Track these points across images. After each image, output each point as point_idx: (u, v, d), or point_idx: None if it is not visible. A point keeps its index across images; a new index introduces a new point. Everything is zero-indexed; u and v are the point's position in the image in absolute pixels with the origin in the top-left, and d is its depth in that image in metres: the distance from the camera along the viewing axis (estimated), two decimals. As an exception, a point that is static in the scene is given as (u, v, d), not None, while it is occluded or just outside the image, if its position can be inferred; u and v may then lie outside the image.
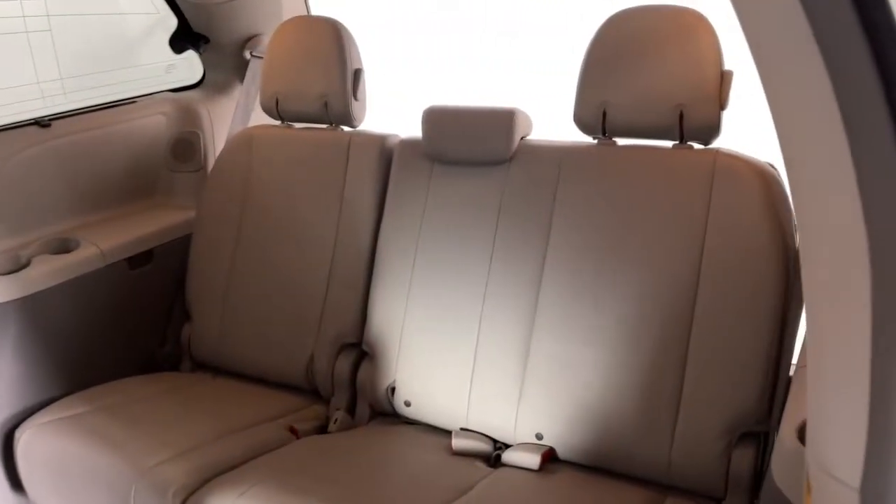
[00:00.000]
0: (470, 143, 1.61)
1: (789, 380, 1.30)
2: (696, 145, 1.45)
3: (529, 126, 1.63)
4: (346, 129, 1.84)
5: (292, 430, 1.62)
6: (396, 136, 1.78)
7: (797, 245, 1.32)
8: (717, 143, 1.44)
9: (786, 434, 0.92)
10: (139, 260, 1.93)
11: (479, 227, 1.58)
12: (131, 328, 1.94)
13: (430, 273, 1.62)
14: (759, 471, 1.33)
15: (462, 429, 1.57)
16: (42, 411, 1.60)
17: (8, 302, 1.61)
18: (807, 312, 0.58)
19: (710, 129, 1.40)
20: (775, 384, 1.32)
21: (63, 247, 1.82)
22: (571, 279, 1.47)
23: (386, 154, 1.75)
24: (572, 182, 1.51)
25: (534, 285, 1.50)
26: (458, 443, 1.54)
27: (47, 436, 1.54)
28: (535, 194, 1.54)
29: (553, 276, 1.49)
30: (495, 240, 1.56)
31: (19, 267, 1.67)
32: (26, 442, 1.55)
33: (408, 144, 1.72)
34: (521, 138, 1.60)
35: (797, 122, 0.53)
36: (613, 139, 1.52)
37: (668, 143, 1.47)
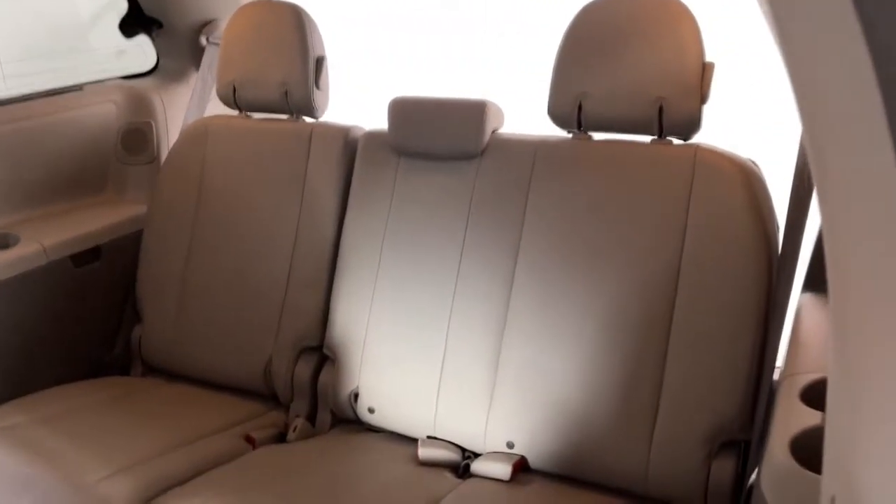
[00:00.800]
0: (438, 137, 1.53)
1: (772, 386, 1.25)
2: (676, 140, 1.39)
3: (501, 119, 1.56)
4: (307, 119, 1.74)
5: (249, 440, 1.53)
6: (361, 127, 1.70)
7: (780, 246, 1.27)
8: (697, 139, 1.38)
9: (776, 448, 0.86)
10: (85, 257, 1.82)
11: (447, 224, 1.50)
12: (77, 330, 1.83)
13: (396, 273, 1.54)
14: (740, 481, 1.28)
15: (429, 437, 1.49)
16: None
17: (-62, 302, 1.49)
18: (837, 328, 0.50)
19: (691, 124, 1.34)
20: (757, 390, 1.26)
21: (1, 243, 1.70)
22: (544, 280, 1.40)
23: (350, 146, 1.66)
24: (546, 178, 1.43)
25: (505, 286, 1.43)
26: (424, 452, 1.46)
27: (-21, 448, 1.42)
28: (507, 191, 1.46)
29: (525, 277, 1.42)
30: (465, 238, 1.49)
31: (-49, 264, 1.55)
32: (-44, 455, 1.43)
33: (373, 137, 1.63)
34: (493, 131, 1.53)
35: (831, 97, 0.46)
36: (589, 133, 1.45)
37: (647, 138, 1.40)
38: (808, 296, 1.22)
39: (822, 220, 0.51)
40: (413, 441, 1.50)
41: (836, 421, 0.52)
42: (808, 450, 0.84)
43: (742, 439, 1.28)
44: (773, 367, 1.26)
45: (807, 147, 0.50)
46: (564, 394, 1.37)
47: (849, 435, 0.48)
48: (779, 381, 1.04)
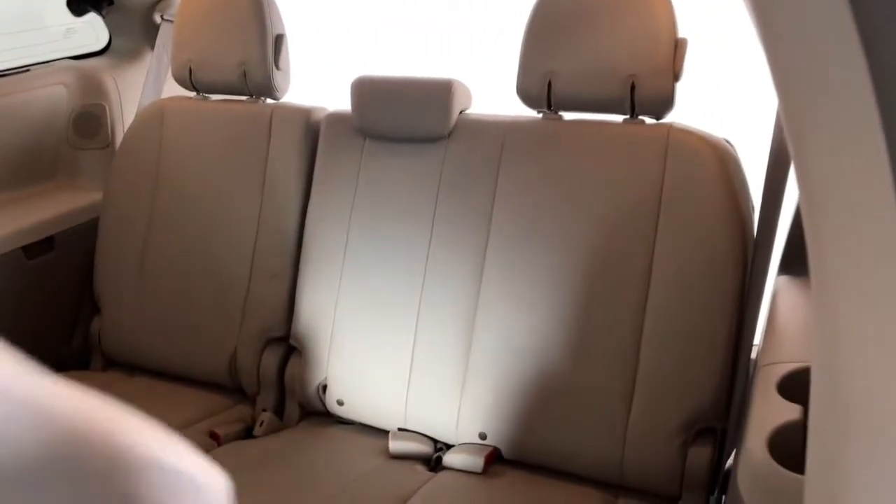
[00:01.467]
0: (403, 117, 1.46)
1: (749, 370, 1.22)
2: (648, 120, 1.34)
3: (469, 99, 1.50)
4: (268, 101, 1.67)
5: (213, 436, 1.48)
6: (324, 108, 1.63)
7: (756, 227, 1.23)
8: (669, 118, 1.33)
9: (753, 443, 0.83)
10: (38, 248, 1.74)
11: (415, 209, 1.45)
12: (32, 324, 1.75)
13: (363, 260, 1.49)
14: (716, 469, 1.26)
15: (400, 429, 1.45)
16: None
17: None
18: (820, 319, 0.46)
19: (664, 103, 1.29)
20: (734, 375, 1.24)
21: None
22: (515, 264, 1.36)
23: (312, 129, 1.59)
24: (515, 160, 1.38)
25: (476, 271, 1.39)
26: (395, 445, 1.42)
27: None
28: (476, 173, 1.41)
29: (496, 262, 1.37)
30: (434, 223, 1.43)
31: None
32: None
33: (336, 118, 1.56)
34: (461, 112, 1.47)
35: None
36: (559, 113, 1.40)
37: (619, 118, 1.36)
38: (785, 278, 1.19)
39: (800, 200, 0.47)
40: (384, 433, 1.46)
41: (821, 419, 0.48)
42: (787, 446, 0.81)
43: (718, 427, 1.25)
44: (749, 351, 1.24)
45: (784, 124, 0.46)
46: (537, 382, 1.33)
47: (836, 436, 0.44)
48: (755, 370, 1.01)
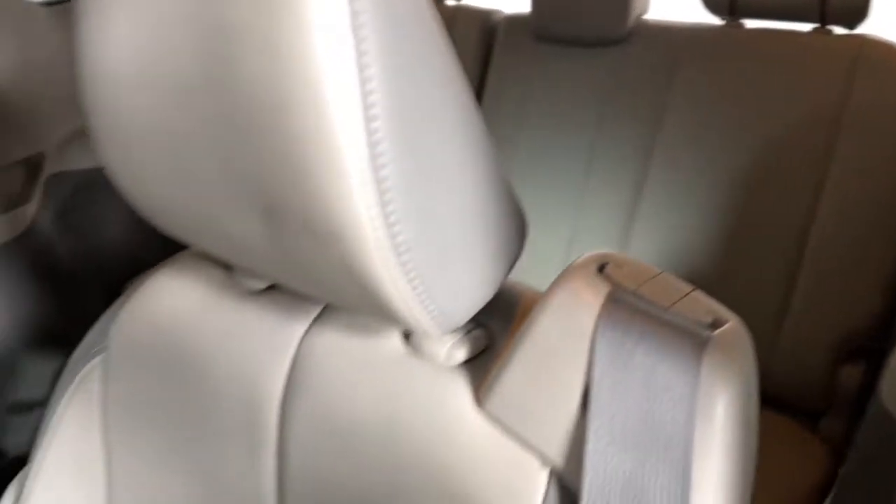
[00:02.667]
0: (581, 18, 1.49)
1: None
2: (838, 30, 1.28)
3: (646, 3, 1.49)
4: (450, 2, 1.74)
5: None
6: (501, 11, 1.68)
7: None
8: (862, 29, 1.27)
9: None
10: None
11: (580, 114, 1.49)
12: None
13: (531, 168, 1.55)
14: (866, 390, 1.25)
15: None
16: None
17: None
18: None
19: (857, 11, 1.23)
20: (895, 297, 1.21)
21: None
22: (679, 175, 1.37)
23: (489, 32, 1.65)
24: (690, 69, 1.38)
25: (638, 178, 1.42)
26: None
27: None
28: (648, 80, 1.42)
29: (659, 171, 1.39)
30: (597, 129, 1.47)
31: None
32: None
33: (513, 21, 1.61)
34: (638, 16, 1.47)
35: None
36: (742, 21, 1.36)
37: (806, 27, 1.31)
38: None
39: None
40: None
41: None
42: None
43: (874, 347, 1.24)
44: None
45: None
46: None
47: None
48: None
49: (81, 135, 1.36)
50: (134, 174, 0.37)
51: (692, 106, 1.37)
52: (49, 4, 2.14)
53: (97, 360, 0.48)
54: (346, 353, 0.41)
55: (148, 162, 0.35)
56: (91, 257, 1.36)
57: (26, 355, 1.31)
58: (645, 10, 1.49)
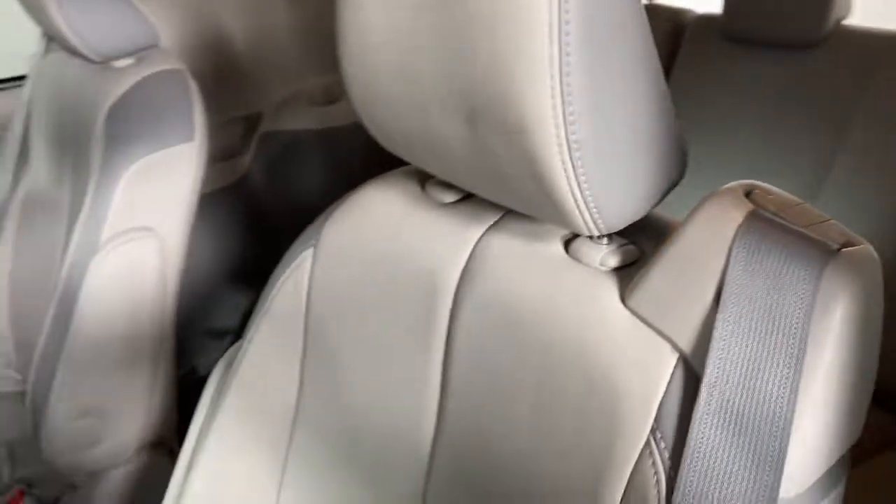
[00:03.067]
0: (778, 19, 1.46)
1: None
2: None
3: (848, 8, 1.44)
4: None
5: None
6: (693, 11, 1.68)
7: None
8: None
9: None
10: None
11: (761, 116, 1.46)
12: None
13: (702, 165, 1.55)
14: None
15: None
16: None
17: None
18: None
19: None
20: None
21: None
22: (858, 188, 1.32)
23: (678, 30, 1.66)
24: (884, 78, 1.32)
25: (810, 189, 1.38)
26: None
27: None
28: (838, 87, 1.37)
29: (837, 183, 1.35)
30: (775, 132, 1.44)
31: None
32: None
33: (704, 20, 1.61)
34: (838, 21, 1.42)
35: None
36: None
37: None
38: None
39: None
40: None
41: None
42: None
43: None
44: None
45: None
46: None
47: None
48: None
49: (295, 99, 1.54)
50: (373, 104, 0.46)
51: (883, 117, 1.31)
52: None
53: (309, 251, 0.59)
54: (514, 254, 0.47)
55: (383, 92, 0.44)
56: (290, 207, 1.53)
57: (226, 289, 1.50)
58: (846, 15, 1.44)
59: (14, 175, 1.07)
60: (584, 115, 0.37)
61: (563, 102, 0.36)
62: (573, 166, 0.38)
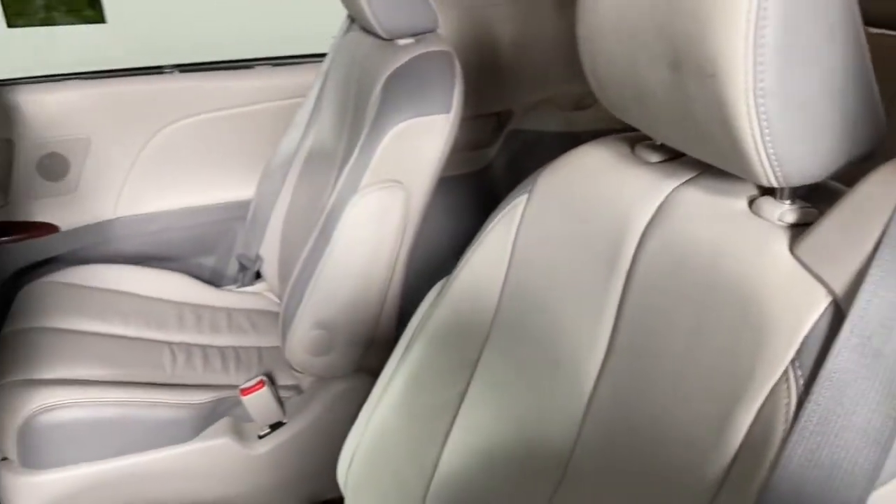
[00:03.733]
0: None
1: None
2: None
3: None
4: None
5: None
6: None
7: None
8: None
9: None
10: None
11: None
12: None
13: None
14: None
15: None
16: None
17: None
18: None
19: None
20: None
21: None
22: None
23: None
24: None
25: None
26: None
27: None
28: None
29: None
30: None
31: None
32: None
33: None
34: None
35: None
36: None
37: None
38: None
39: None
40: None
41: None
42: None
43: None
44: None
45: None
46: None
47: None
48: None
49: (542, 103, 1.65)
50: (598, 63, 0.54)
51: None
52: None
53: (524, 196, 0.68)
54: (699, 204, 0.52)
55: (606, 48, 0.52)
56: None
57: (450, 266, 1.64)
58: None
59: (304, 131, 1.29)
60: (774, 66, 0.41)
61: (754, 52, 0.41)
62: (757, 114, 0.42)
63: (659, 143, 0.59)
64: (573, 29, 1.62)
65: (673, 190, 0.55)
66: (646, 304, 0.54)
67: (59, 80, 1.36)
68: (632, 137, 0.64)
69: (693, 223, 0.52)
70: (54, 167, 1.36)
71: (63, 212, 1.38)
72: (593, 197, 0.61)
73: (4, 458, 1.02)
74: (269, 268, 1.33)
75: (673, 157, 0.59)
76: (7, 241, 1.35)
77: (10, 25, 1.49)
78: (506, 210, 0.69)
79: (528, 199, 0.67)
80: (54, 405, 0.98)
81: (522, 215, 0.67)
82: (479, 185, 1.64)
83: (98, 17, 1.54)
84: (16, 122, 1.32)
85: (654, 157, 0.59)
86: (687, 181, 0.55)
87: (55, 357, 1.07)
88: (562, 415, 0.60)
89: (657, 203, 0.56)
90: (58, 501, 1.01)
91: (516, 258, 0.67)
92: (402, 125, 0.99)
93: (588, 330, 0.59)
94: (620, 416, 0.54)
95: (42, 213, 1.37)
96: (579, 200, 0.62)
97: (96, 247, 1.41)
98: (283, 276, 1.28)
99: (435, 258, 1.53)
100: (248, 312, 1.30)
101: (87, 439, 1.00)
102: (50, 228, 1.37)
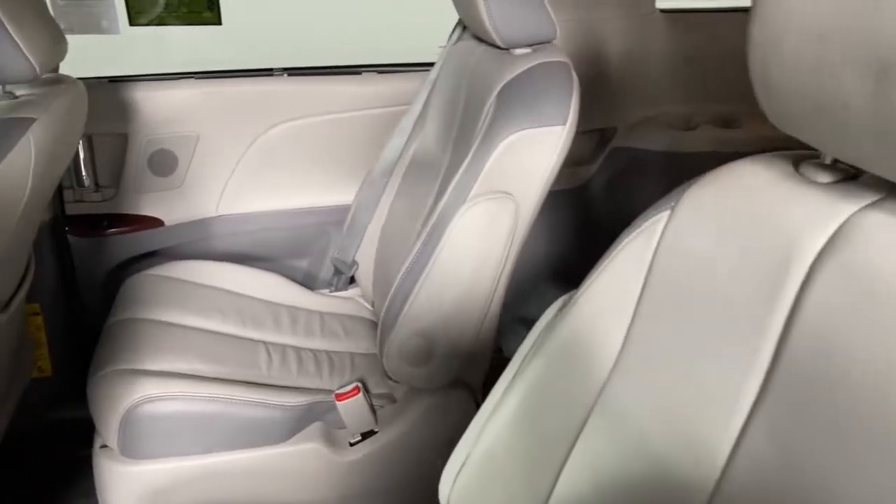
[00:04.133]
0: None
1: None
2: None
3: None
4: None
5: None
6: None
7: None
8: None
9: None
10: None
11: None
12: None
13: None
14: None
15: None
16: None
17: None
18: None
19: None
20: None
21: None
22: None
23: None
24: None
25: None
26: None
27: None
28: None
29: None
30: None
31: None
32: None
33: None
34: None
35: None
36: None
37: None
38: None
39: None
40: None
41: None
42: None
43: None
44: None
45: None
46: None
47: None
48: None
49: (647, 122, 1.60)
50: (774, 67, 0.49)
51: None
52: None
53: (665, 213, 0.64)
54: (891, 234, 0.47)
55: (790, 52, 0.47)
56: (621, 219, 1.59)
57: (544, 282, 1.60)
58: None
59: (408, 138, 1.28)
60: None
61: None
62: None
63: (829, 161, 0.55)
64: (683, 51, 1.57)
65: (853, 214, 0.50)
66: (817, 343, 0.49)
67: (172, 79, 1.39)
68: (795, 155, 0.59)
69: (883, 254, 0.47)
70: (163, 163, 1.39)
71: (168, 207, 1.41)
72: (752, 217, 0.56)
73: (104, 446, 1.03)
74: (364, 273, 1.32)
75: (846, 178, 0.54)
76: (115, 233, 1.38)
77: (131, 24, 1.55)
78: (643, 227, 0.65)
79: (671, 215, 0.62)
80: (157, 396, 0.98)
81: (663, 233, 0.63)
82: (576, 202, 1.60)
83: (215, 20, 1.58)
84: (131, 117, 1.35)
85: (825, 178, 0.54)
86: (871, 204, 0.50)
87: (157, 349, 1.09)
88: (702, 451, 0.56)
89: (833, 226, 0.51)
90: (153, 492, 1.02)
91: (654, 279, 0.63)
92: (516, 135, 0.97)
93: (737, 361, 0.55)
94: (783, 464, 0.49)
95: (148, 207, 1.40)
96: (735, 220, 0.57)
97: (197, 243, 1.44)
98: (378, 283, 1.27)
99: (528, 275, 1.49)
100: (341, 317, 1.30)
101: (185, 433, 1.01)
102: (155, 222, 1.40)
